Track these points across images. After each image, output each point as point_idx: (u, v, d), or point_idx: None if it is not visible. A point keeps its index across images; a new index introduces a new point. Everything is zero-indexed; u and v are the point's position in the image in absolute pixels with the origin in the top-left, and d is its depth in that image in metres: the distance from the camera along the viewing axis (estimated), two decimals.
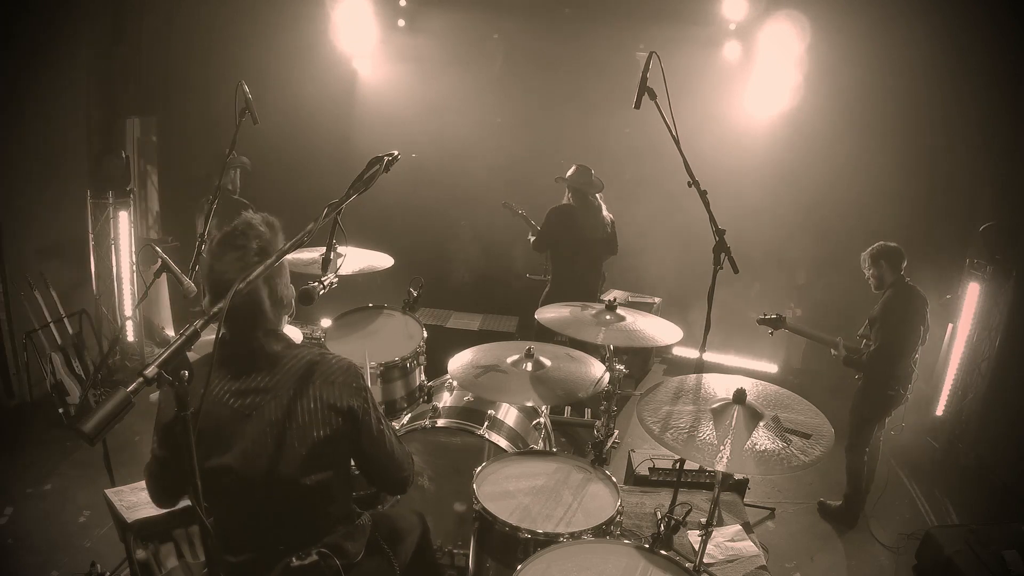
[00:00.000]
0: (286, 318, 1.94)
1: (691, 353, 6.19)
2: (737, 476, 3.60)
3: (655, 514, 2.92)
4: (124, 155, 5.34)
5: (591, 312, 2.99)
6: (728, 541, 2.82)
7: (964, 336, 5.02)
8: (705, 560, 2.47)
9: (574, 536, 2.18)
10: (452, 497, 2.95)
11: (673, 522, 2.58)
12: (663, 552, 2.09)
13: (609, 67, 5.70)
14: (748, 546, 2.80)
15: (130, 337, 5.66)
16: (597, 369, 2.83)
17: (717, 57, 5.75)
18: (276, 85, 5.18)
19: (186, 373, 1.35)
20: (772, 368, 6.08)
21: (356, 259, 3.24)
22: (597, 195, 4.68)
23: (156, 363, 1.30)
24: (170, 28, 5.78)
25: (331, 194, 1.91)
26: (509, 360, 2.83)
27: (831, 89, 5.38)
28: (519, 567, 2.00)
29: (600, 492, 2.48)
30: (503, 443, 2.88)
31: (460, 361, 2.86)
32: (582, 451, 4.18)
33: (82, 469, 4.18)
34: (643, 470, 3.56)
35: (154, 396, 1.91)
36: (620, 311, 2.95)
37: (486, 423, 2.95)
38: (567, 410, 4.97)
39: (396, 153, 1.96)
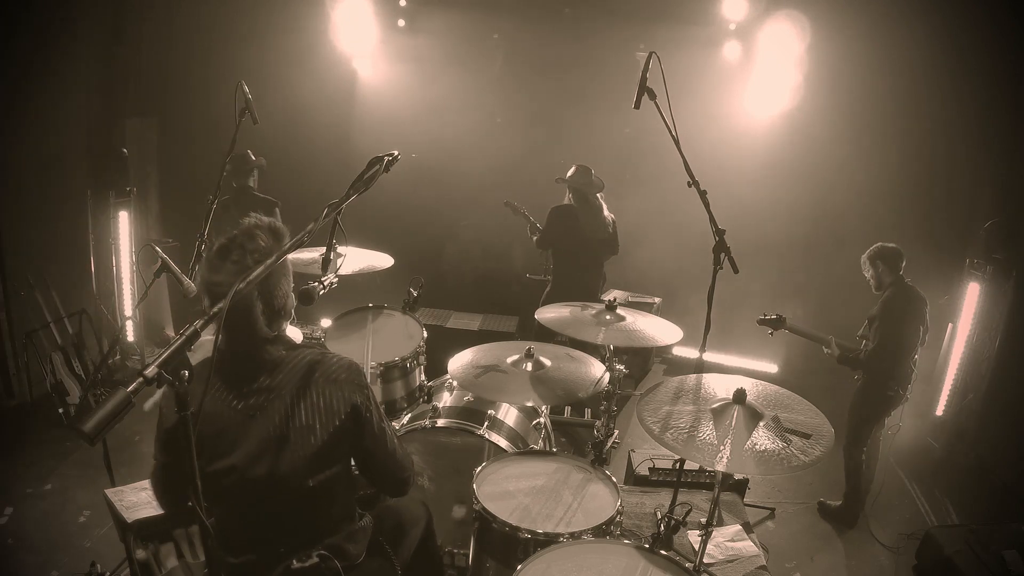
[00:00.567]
0: (286, 324, 1.91)
1: (691, 353, 6.19)
2: (737, 476, 3.60)
3: (655, 514, 2.93)
4: (124, 155, 5.34)
5: (591, 312, 2.99)
6: (728, 541, 2.82)
7: (964, 336, 5.02)
8: (705, 560, 2.47)
9: (574, 536, 2.18)
10: (452, 497, 2.95)
11: (673, 522, 2.59)
12: (663, 552, 2.09)
13: (609, 67, 5.70)
14: (748, 546, 2.80)
15: (130, 337, 5.66)
16: (597, 369, 2.84)
17: (717, 57, 5.75)
18: (276, 85, 5.17)
19: (186, 373, 1.35)
20: (772, 368, 6.08)
21: (356, 259, 3.24)
22: (598, 195, 4.68)
23: (156, 363, 1.30)
24: (170, 28, 5.78)
25: (331, 194, 1.91)
26: (509, 360, 2.83)
27: (831, 89, 5.38)
28: (519, 567, 2.00)
29: (600, 492, 2.48)
30: (503, 443, 2.89)
31: (460, 361, 2.86)
32: (582, 451, 4.18)
33: (82, 469, 4.18)
34: (643, 470, 3.56)
35: (148, 405, 1.90)
36: (620, 311, 2.95)
37: (486, 423, 2.96)
38: (567, 410, 4.97)
39: (396, 153, 1.96)
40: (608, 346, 2.89)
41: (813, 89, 5.42)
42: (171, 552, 2.46)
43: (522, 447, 2.97)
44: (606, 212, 4.74)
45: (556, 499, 2.42)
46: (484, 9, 5.87)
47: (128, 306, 5.63)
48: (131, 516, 2.48)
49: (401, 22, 5.99)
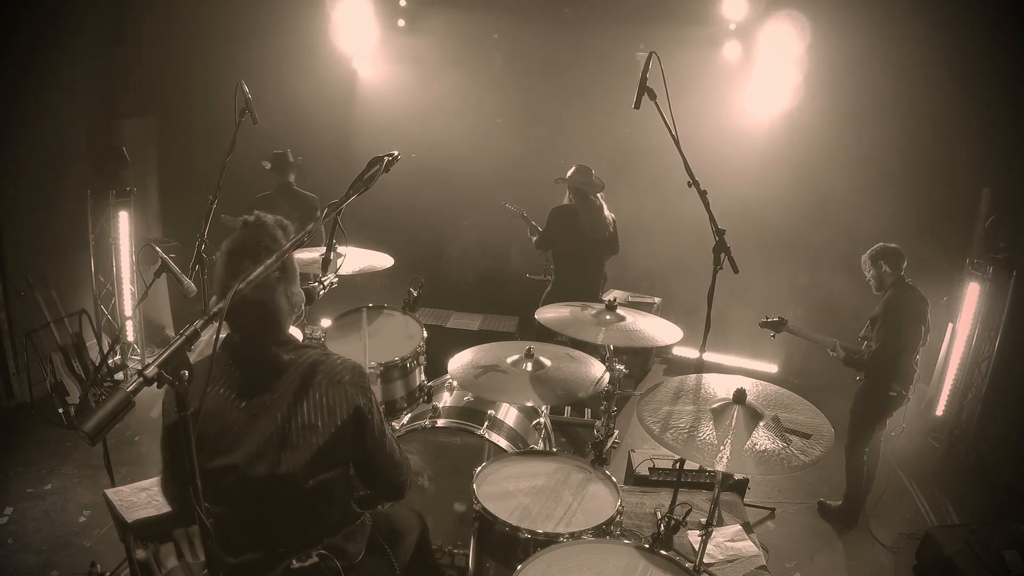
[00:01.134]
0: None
1: (691, 353, 6.19)
2: (737, 476, 3.60)
3: (655, 514, 2.92)
4: (124, 155, 5.35)
5: (591, 312, 2.99)
6: (728, 541, 2.82)
7: (964, 336, 5.03)
8: (705, 560, 2.47)
9: (574, 536, 2.18)
10: (452, 497, 2.94)
11: (673, 522, 2.58)
12: (663, 552, 2.09)
13: (609, 67, 5.70)
14: (748, 546, 2.80)
15: (130, 337, 5.66)
16: (597, 369, 2.83)
17: (717, 57, 5.75)
18: (276, 85, 5.17)
19: (186, 373, 1.35)
20: (772, 368, 6.08)
21: (356, 259, 3.24)
22: (598, 195, 4.68)
23: (156, 363, 1.30)
24: (170, 28, 5.78)
25: (331, 194, 1.91)
26: (509, 360, 2.83)
27: (831, 89, 5.38)
28: (519, 567, 2.00)
29: (600, 492, 2.48)
30: (503, 443, 2.89)
31: (460, 361, 2.85)
32: (582, 451, 4.18)
33: (82, 469, 4.19)
34: (643, 470, 3.56)
35: (155, 412, 1.91)
36: (620, 311, 2.95)
37: (486, 423, 2.96)
38: (567, 410, 4.97)
39: (396, 153, 1.96)
40: (608, 346, 2.89)
41: (813, 89, 5.42)
42: (171, 552, 2.46)
43: (522, 447, 2.97)
44: (606, 212, 4.74)
45: (556, 499, 2.42)
46: (484, 9, 5.87)
47: (128, 306, 5.63)
48: (131, 516, 2.48)
49: (401, 22, 5.99)
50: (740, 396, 2.19)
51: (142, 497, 2.58)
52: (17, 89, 4.68)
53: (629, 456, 3.73)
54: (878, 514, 4.25)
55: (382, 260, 3.37)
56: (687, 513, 2.62)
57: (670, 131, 2.40)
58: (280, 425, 1.79)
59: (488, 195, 5.69)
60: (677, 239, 5.56)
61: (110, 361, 5.37)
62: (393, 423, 3.11)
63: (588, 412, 4.95)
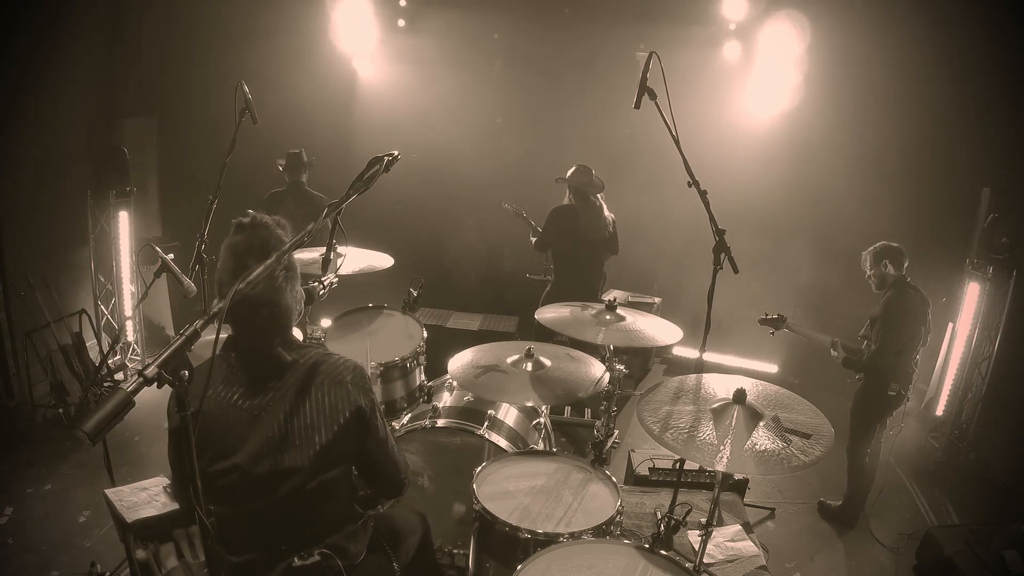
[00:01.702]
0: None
1: (691, 353, 6.19)
2: (737, 476, 3.60)
3: (655, 514, 2.92)
4: (124, 154, 5.35)
5: (591, 312, 2.99)
6: (728, 541, 2.82)
7: (964, 336, 5.02)
8: (705, 560, 2.47)
9: (574, 536, 2.18)
10: (452, 497, 2.94)
11: (673, 522, 2.58)
12: (663, 552, 2.09)
13: (609, 67, 5.70)
14: (748, 546, 2.80)
15: (130, 337, 5.67)
16: (597, 369, 2.83)
17: (717, 57, 5.75)
18: (276, 85, 5.18)
19: (186, 373, 1.35)
20: (772, 368, 6.08)
21: (356, 259, 3.25)
22: (598, 195, 4.68)
23: (156, 363, 1.30)
24: (170, 28, 5.79)
25: (331, 194, 1.91)
26: (509, 360, 2.83)
27: (831, 89, 5.38)
28: (519, 567, 2.00)
29: (600, 492, 2.48)
30: (503, 443, 2.88)
31: (460, 361, 2.85)
32: (582, 451, 4.18)
33: (82, 469, 4.19)
34: (643, 470, 3.56)
35: (164, 424, 1.90)
36: (620, 311, 2.95)
37: (486, 423, 2.95)
38: (567, 410, 4.97)
39: (396, 153, 1.96)
40: (608, 346, 2.89)
41: (813, 89, 5.42)
42: (171, 552, 2.46)
43: (522, 447, 2.97)
44: (606, 212, 4.74)
45: (556, 499, 2.42)
46: (484, 9, 5.87)
47: (128, 306, 5.63)
48: (131, 516, 2.48)
49: (401, 22, 5.99)
50: (740, 396, 2.19)
51: (142, 497, 2.58)
52: (17, 89, 4.68)
53: (629, 456, 3.73)
54: (878, 514, 4.25)
55: (382, 260, 3.37)
56: (687, 513, 2.62)
57: (670, 131, 2.40)
58: (282, 425, 1.79)
59: (488, 195, 5.69)
60: (677, 239, 5.55)
61: (110, 361, 5.37)
62: (393, 423, 3.12)
63: (588, 412, 4.95)
